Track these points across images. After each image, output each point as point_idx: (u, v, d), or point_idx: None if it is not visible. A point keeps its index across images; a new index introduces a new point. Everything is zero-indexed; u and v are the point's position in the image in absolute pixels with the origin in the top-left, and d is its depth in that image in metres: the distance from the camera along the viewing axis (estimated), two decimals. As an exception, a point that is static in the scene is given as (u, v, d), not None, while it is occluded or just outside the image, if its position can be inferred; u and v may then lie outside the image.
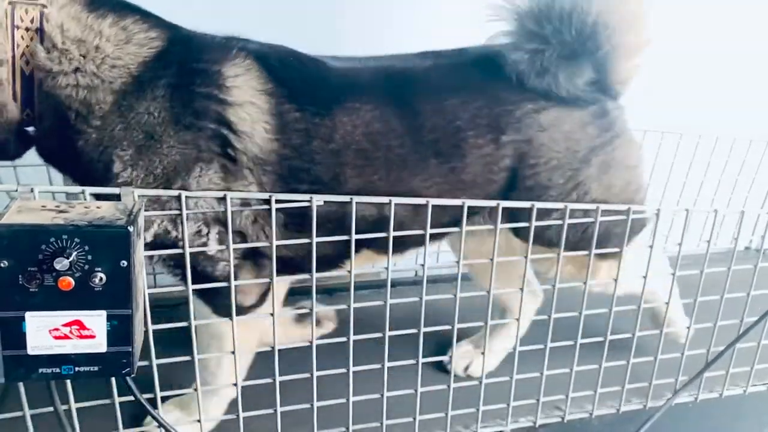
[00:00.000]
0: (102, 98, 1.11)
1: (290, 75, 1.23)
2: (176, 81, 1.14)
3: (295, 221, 1.19)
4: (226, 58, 1.18)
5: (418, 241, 1.26)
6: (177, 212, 1.05)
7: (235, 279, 1.10)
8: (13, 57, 1.08)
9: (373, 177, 1.25)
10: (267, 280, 1.15)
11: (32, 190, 0.91)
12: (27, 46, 1.09)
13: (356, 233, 1.11)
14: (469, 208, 1.16)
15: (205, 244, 1.16)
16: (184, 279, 1.10)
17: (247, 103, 1.17)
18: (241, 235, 1.19)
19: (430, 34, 1.48)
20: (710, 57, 2.19)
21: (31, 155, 1.40)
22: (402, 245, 1.32)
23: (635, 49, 1.38)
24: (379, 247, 1.24)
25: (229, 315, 1.12)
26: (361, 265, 1.37)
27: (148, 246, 1.12)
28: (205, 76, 1.16)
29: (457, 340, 1.38)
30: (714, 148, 1.94)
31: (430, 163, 1.28)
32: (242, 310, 1.19)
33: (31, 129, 1.14)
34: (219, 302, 1.17)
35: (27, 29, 1.08)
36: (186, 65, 1.16)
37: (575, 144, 1.36)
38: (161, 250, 1.11)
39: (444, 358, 1.46)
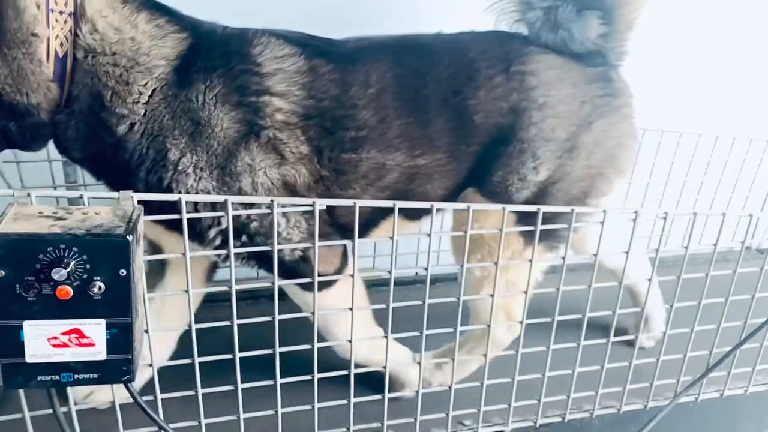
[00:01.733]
0: (141, 80, 1.15)
1: (309, 42, 1.30)
2: (214, 65, 1.20)
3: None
4: (249, 41, 1.25)
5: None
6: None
7: (306, 252, 1.22)
8: (48, 38, 1.09)
9: (410, 119, 1.31)
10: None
11: (29, 195, 0.89)
12: (61, 29, 1.11)
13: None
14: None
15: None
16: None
17: (278, 71, 1.23)
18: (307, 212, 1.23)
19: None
20: (710, 55, 2.17)
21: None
22: (420, 212, 1.36)
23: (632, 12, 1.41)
24: (404, 214, 1.31)
25: (311, 289, 1.17)
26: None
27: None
28: (240, 57, 1.22)
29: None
30: (714, 147, 1.92)
31: (449, 102, 1.33)
32: (325, 282, 1.24)
33: (61, 115, 1.15)
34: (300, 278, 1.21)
35: (61, 12, 1.11)
36: (219, 51, 1.22)
37: (581, 93, 1.38)
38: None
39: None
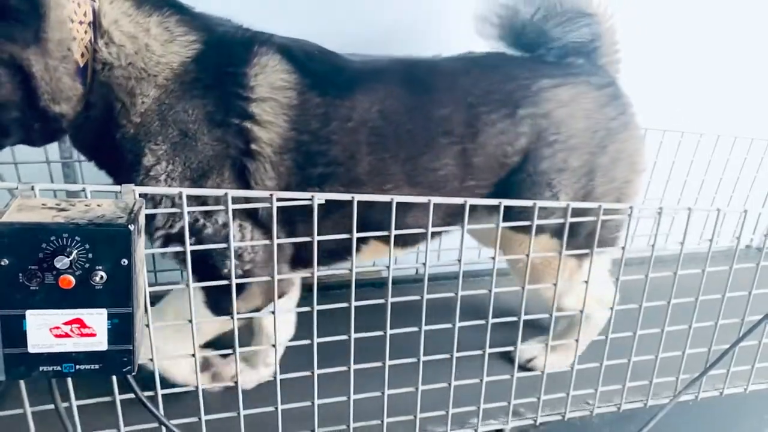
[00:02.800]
0: (146, 90, 1.16)
1: (313, 64, 1.28)
2: (211, 82, 1.19)
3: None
4: (250, 59, 1.23)
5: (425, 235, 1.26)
6: (221, 208, 1.07)
7: (251, 274, 1.20)
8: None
9: (385, 155, 1.28)
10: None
11: (33, 188, 0.91)
12: (82, 39, 1.12)
13: (365, 224, 1.11)
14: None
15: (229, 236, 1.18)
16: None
17: (269, 99, 1.22)
18: (265, 230, 1.21)
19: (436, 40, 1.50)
20: (712, 55, 2.18)
21: (34, 153, 1.41)
22: (410, 240, 1.36)
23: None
24: (396, 243, 1.27)
25: (219, 311, 1.18)
26: (373, 257, 1.43)
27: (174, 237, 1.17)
28: (234, 78, 1.21)
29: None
30: (715, 147, 1.94)
31: (440, 142, 1.29)
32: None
33: (78, 120, 1.17)
34: (221, 302, 1.17)
35: (81, 22, 1.11)
36: (219, 69, 1.21)
37: (594, 123, 1.36)
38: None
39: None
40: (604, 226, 1.26)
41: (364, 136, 1.27)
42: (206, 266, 1.15)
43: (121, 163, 1.21)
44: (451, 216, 1.37)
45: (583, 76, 1.40)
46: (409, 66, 1.37)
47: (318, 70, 1.27)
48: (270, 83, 1.22)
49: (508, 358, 1.37)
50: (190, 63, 1.19)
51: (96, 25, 1.13)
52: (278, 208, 1.03)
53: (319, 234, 1.06)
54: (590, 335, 1.43)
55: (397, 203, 1.07)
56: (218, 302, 1.20)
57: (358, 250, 1.31)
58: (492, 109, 1.31)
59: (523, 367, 1.47)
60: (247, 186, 1.22)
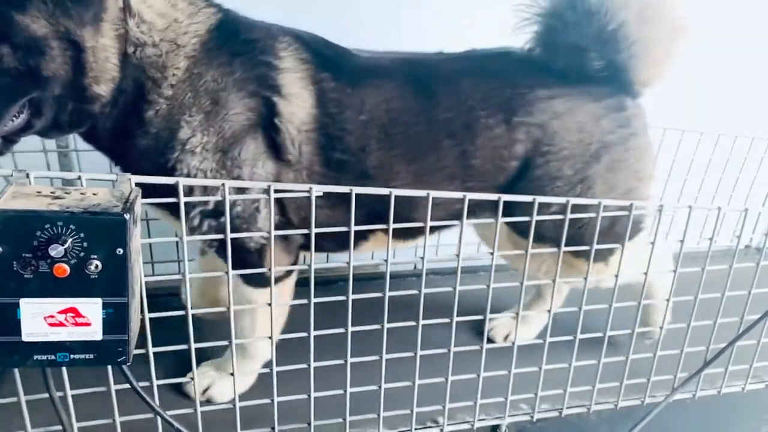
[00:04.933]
0: (176, 62, 1.18)
1: (323, 50, 1.31)
2: (238, 50, 1.22)
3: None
4: (274, 35, 1.27)
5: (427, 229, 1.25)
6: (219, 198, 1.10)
7: (265, 251, 1.23)
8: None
9: (391, 153, 1.31)
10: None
11: (27, 176, 0.90)
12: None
13: (374, 215, 1.14)
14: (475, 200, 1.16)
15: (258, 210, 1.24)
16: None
17: (293, 70, 1.25)
18: (278, 206, 1.25)
19: (441, 37, 1.49)
20: (713, 54, 2.17)
21: (31, 142, 1.40)
22: (413, 233, 1.37)
23: (662, 59, 1.40)
24: (397, 235, 1.29)
25: (258, 285, 1.25)
26: (376, 248, 1.45)
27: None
28: (263, 48, 1.23)
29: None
30: (716, 146, 1.93)
31: (443, 144, 1.32)
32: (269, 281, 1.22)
33: (106, 106, 1.17)
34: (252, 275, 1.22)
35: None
36: (243, 37, 1.24)
37: (588, 136, 1.36)
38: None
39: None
40: (616, 223, 1.27)
41: (374, 131, 1.30)
42: (233, 244, 1.16)
43: (142, 148, 1.20)
44: (455, 216, 1.36)
45: (583, 87, 1.38)
46: (413, 65, 1.38)
47: (329, 55, 1.30)
48: (296, 57, 1.26)
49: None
50: (215, 30, 1.21)
51: (126, 6, 1.14)
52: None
53: (330, 219, 1.05)
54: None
55: (406, 201, 1.10)
56: (250, 275, 1.23)
57: (365, 239, 1.37)
58: (490, 113, 1.34)
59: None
60: (277, 156, 1.24)
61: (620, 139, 1.39)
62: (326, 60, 1.29)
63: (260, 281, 1.24)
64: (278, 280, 1.26)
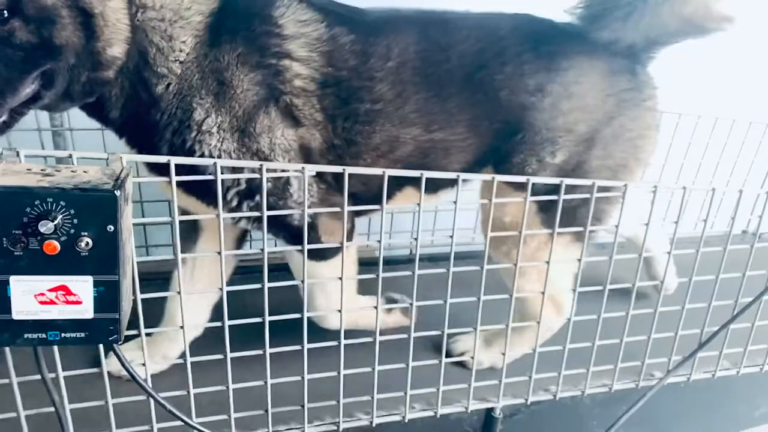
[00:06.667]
0: (182, 35, 1.18)
1: (332, 9, 1.31)
2: (239, 26, 1.22)
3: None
4: (272, 2, 1.26)
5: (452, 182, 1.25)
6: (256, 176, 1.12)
7: (315, 221, 1.25)
8: None
9: (429, 94, 1.31)
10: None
11: (18, 153, 0.89)
12: None
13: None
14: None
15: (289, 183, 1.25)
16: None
17: (299, 35, 1.25)
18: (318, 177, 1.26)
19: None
20: (711, 38, 2.16)
21: (25, 120, 1.39)
22: (442, 184, 1.38)
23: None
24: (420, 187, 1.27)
25: (318, 258, 1.24)
26: (405, 202, 1.44)
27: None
28: (262, 19, 1.24)
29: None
30: (713, 129, 1.92)
31: (474, 76, 1.33)
32: (329, 251, 1.26)
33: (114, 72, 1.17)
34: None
35: None
36: (243, 12, 1.24)
37: (608, 85, 1.37)
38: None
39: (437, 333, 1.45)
40: (588, 204, 1.25)
41: (408, 75, 1.30)
42: (277, 221, 1.20)
43: (153, 124, 1.20)
44: (480, 163, 1.41)
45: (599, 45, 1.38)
46: (434, 14, 1.40)
47: (339, 11, 1.31)
48: (296, 20, 1.25)
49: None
50: (217, 7, 1.22)
51: None
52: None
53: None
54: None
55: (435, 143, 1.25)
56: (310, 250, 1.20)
57: (392, 195, 1.36)
58: (519, 41, 1.35)
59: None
60: (297, 122, 1.25)
61: (633, 104, 1.39)
62: (338, 16, 1.29)
63: (321, 254, 1.25)
64: (338, 250, 1.26)
